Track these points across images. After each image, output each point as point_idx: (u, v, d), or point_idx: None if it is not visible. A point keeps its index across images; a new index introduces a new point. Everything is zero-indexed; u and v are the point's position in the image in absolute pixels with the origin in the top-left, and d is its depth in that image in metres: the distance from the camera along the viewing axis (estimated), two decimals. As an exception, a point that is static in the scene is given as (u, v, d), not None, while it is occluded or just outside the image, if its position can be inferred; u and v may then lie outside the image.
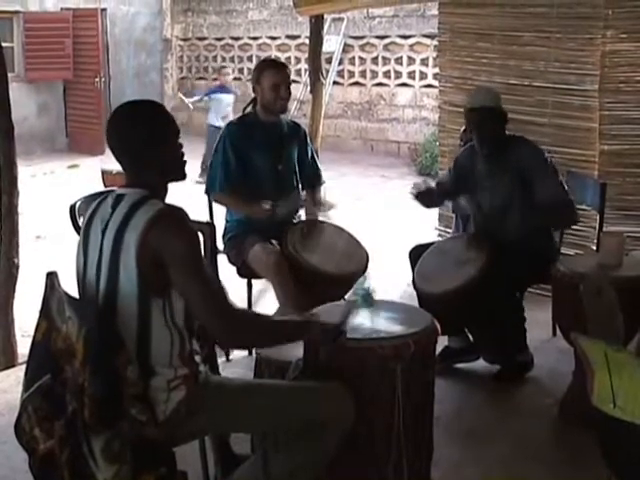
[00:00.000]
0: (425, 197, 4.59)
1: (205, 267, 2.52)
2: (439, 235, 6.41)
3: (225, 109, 11.86)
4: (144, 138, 2.53)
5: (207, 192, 4.66)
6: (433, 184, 4.72)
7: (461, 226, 5.86)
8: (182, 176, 2.66)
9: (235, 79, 16.63)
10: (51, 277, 2.54)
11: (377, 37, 14.48)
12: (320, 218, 4.68)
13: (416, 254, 4.54)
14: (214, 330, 2.53)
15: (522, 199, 4.36)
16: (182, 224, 2.49)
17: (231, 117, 11.44)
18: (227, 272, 4.58)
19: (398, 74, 14.29)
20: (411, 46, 14.07)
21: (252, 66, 15.21)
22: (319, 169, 4.75)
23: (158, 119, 2.61)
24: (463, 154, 4.72)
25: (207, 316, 2.49)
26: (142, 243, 2.42)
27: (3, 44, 4.73)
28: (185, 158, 2.67)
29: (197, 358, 2.63)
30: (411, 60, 14.09)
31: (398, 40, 14.21)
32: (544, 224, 4.45)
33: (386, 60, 14.41)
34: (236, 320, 2.52)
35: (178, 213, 2.50)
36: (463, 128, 5.86)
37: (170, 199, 2.62)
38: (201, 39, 17.28)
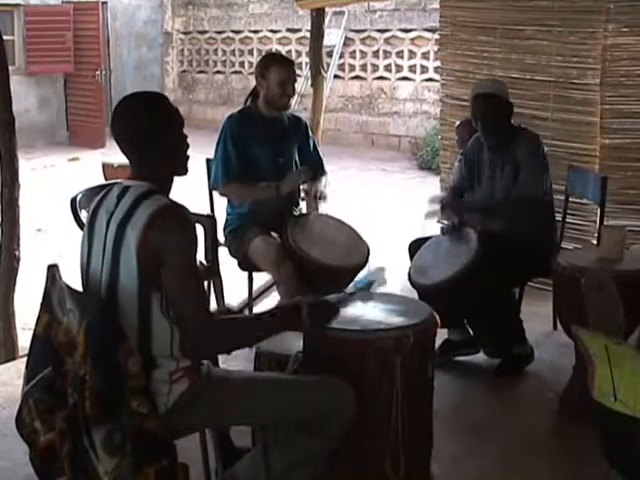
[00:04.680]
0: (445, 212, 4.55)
1: (196, 274, 2.52)
2: (441, 229, 6.37)
3: None
4: (150, 128, 2.53)
5: (211, 189, 4.67)
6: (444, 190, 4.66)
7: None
8: (184, 171, 2.66)
9: (235, 72, 16.66)
10: (52, 270, 2.54)
11: (378, 31, 14.47)
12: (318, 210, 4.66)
13: (415, 248, 4.55)
14: (187, 336, 2.49)
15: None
16: (182, 224, 2.48)
17: None
18: (228, 265, 4.58)
19: (399, 68, 14.29)
20: (412, 40, 14.06)
21: (253, 60, 15.37)
22: (322, 160, 4.73)
23: (164, 110, 2.60)
24: (470, 145, 4.70)
25: (187, 323, 2.47)
26: (142, 238, 2.42)
27: (4, 37, 4.73)
28: (189, 153, 2.66)
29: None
30: (412, 54, 14.08)
31: (399, 34, 14.19)
32: (511, 214, 4.40)
33: (387, 54, 14.40)
34: (213, 331, 2.50)
35: (179, 211, 2.49)
36: (457, 123, 5.85)
37: (173, 191, 2.62)
38: (202, 32, 17.28)
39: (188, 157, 2.66)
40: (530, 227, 4.36)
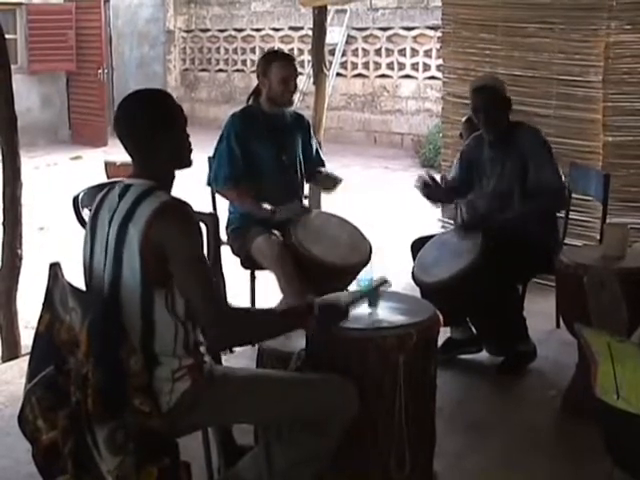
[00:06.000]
0: (432, 191, 4.57)
1: (205, 263, 2.53)
2: (442, 227, 6.40)
3: None
4: (154, 124, 2.53)
5: (210, 184, 4.66)
6: (438, 177, 4.69)
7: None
8: (189, 163, 2.66)
9: (237, 71, 16.67)
10: (54, 268, 2.54)
11: (380, 29, 14.47)
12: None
13: (418, 246, 4.54)
14: (207, 327, 2.52)
15: (523, 186, 4.36)
16: (185, 218, 2.48)
17: None
18: (231, 263, 4.58)
19: (401, 66, 14.28)
20: (414, 38, 14.05)
21: (255, 58, 15.36)
22: (322, 159, 4.75)
23: (168, 107, 2.61)
24: (468, 145, 4.71)
25: (202, 313, 2.48)
26: (145, 235, 2.42)
27: (6, 36, 4.73)
28: (192, 148, 2.67)
29: (202, 349, 2.63)
30: (414, 52, 14.07)
31: (401, 32, 14.19)
32: (533, 208, 4.41)
33: (389, 52, 14.40)
34: (230, 319, 2.51)
35: (182, 207, 2.49)
36: (465, 118, 5.84)
37: (174, 190, 2.62)
38: (204, 31, 17.28)
39: (191, 150, 2.67)
40: (546, 220, 4.38)
